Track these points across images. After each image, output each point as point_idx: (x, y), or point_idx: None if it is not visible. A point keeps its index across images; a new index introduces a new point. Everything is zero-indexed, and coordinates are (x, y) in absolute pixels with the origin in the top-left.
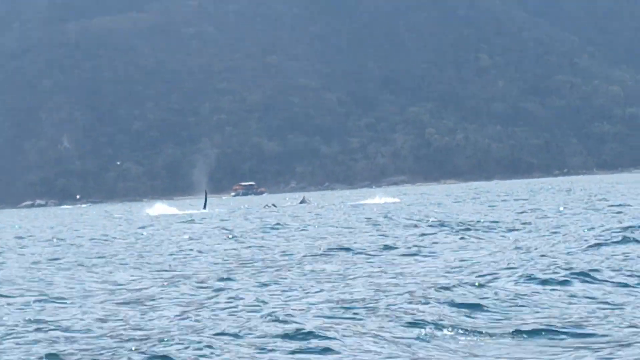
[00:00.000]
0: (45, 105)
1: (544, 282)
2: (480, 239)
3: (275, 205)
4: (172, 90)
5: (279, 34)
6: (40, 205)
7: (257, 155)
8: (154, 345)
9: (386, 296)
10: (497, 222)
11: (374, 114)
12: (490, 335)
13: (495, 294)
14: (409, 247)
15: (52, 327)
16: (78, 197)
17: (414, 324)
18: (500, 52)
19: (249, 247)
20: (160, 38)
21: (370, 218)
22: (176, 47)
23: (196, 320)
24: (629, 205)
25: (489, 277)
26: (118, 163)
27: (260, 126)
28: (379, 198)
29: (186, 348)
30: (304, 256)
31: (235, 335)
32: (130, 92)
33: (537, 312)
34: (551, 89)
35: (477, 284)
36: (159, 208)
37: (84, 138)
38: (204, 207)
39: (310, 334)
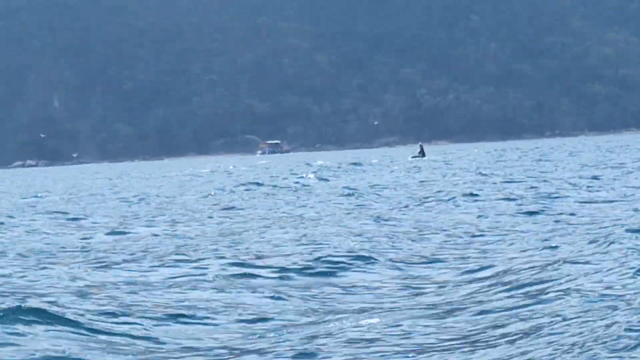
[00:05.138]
0: (35, 65)
1: None
2: None
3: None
4: (163, 50)
5: None
6: (30, 166)
7: (249, 116)
8: None
9: None
10: None
11: (365, 75)
12: None
13: None
14: None
15: None
16: (75, 155)
17: None
18: (491, 13)
19: None
20: None
21: None
22: (167, 8)
23: None
24: None
25: None
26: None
27: (251, 87)
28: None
29: None
30: None
31: None
32: (121, 52)
33: None
34: (543, 50)
35: None
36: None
37: (74, 99)
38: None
39: None
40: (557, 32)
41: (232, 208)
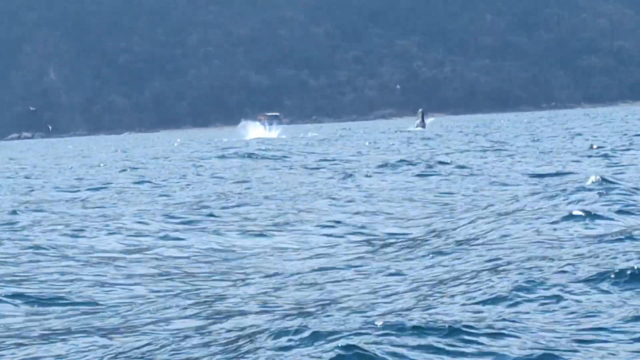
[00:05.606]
0: (31, 38)
1: None
2: None
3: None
4: (159, 22)
5: None
6: (26, 138)
7: (245, 88)
8: None
9: None
10: None
11: (361, 47)
12: None
13: None
14: None
15: None
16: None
17: None
18: None
19: None
20: None
21: None
22: None
23: None
24: None
25: None
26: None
27: (247, 59)
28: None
29: None
30: None
31: None
32: (116, 24)
33: None
34: (539, 23)
35: None
36: None
37: (70, 71)
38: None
39: None
40: (553, 3)
41: (220, 177)
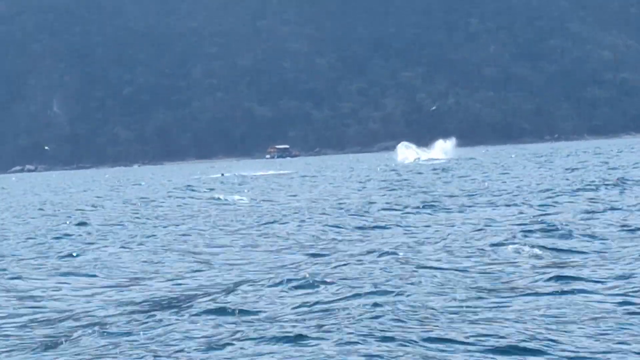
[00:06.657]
0: (35, 69)
1: None
2: None
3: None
4: (163, 54)
5: None
6: (30, 171)
7: (249, 120)
8: None
9: None
10: None
11: (365, 78)
12: None
13: None
14: None
15: None
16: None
17: None
18: (491, 17)
19: None
20: (150, 1)
21: None
22: (167, 11)
23: None
24: None
25: None
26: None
27: (251, 91)
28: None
29: None
30: None
31: None
32: (121, 56)
33: None
34: (543, 54)
35: None
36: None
37: (74, 103)
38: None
39: None
40: (557, 36)
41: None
